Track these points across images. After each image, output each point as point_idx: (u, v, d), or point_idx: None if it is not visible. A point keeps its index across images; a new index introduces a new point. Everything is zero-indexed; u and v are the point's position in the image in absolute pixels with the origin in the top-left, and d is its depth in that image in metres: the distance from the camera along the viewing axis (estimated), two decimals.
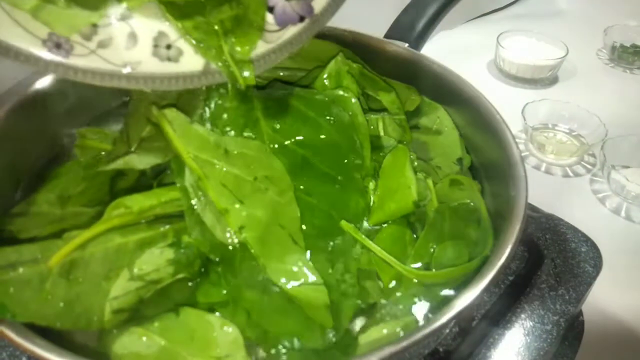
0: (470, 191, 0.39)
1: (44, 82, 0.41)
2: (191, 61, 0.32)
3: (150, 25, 0.31)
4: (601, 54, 0.99)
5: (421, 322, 0.32)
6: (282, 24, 0.34)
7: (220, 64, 0.32)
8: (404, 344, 0.26)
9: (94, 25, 0.29)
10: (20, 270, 0.29)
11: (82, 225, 0.33)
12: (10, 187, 0.39)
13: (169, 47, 0.31)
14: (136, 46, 0.31)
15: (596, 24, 1.01)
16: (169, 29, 0.31)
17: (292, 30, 0.34)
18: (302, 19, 0.34)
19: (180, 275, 0.33)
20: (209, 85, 0.40)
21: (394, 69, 0.48)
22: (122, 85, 0.30)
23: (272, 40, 0.34)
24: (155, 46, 0.31)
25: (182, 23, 0.31)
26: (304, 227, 0.34)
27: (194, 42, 0.32)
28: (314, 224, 0.35)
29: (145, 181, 0.37)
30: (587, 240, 0.48)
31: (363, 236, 0.35)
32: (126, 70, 0.30)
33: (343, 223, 0.35)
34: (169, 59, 0.31)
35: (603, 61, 0.97)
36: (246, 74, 0.32)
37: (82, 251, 0.31)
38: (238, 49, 0.32)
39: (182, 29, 0.31)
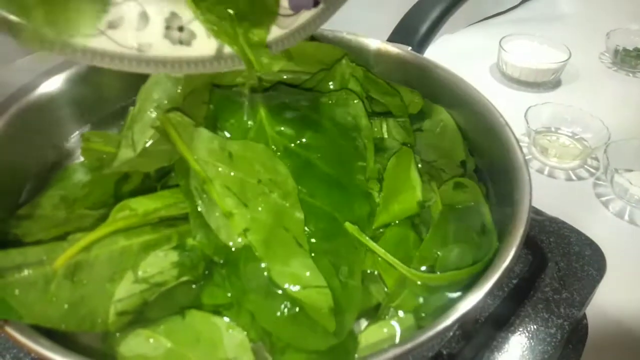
0: (474, 194, 0.39)
1: (48, 86, 0.42)
2: (204, 45, 0.31)
3: (162, 6, 0.30)
4: (604, 58, 0.99)
5: (425, 325, 0.32)
6: (296, 8, 0.33)
7: (235, 47, 0.31)
8: (408, 346, 0.26)
9: (104, 4, 0.28)
10: (26, 272, 0.29)
11: (87, 227, 0.33)
12: (15, 190, 0.39)
13: (181, 29, 0.30)
14: (147, 27, 0.29)
15: (599, 28, 1.01)
16: (182, 10, 0.30)
17: (305, 16, 0.33)
18: (316, 3, 0.33)
19: (184, 278, 0.33)
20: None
21: (397, 72, 0.48)
22: (132, 69, 0.29)
23: (286, 25, 0.33)
24: (167, 28, 0.30)
25: (195, 4, 0.30)
26: (308, 229, 0.34)
27: (207, 24, 0.30)
28: (318, 227, 0.35)
29: (150, 184, 0.37)
30: (591, 243, 0.48)
31: (367, 238, 0.35)
32: (136, 53, 0.29)
33: (347, 225, 0.35)
34: (180, 42, 0.30)
35: (606, 65, 0.97)
36: (263, 59, 0.31)
37: (86, 253, 0.31)
38: (254, 32, 0.31)
39: (196, 10, 0.30)
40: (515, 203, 0.34)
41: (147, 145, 0.36)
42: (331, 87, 0.42)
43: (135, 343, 0.30)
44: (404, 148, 0.39)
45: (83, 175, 0.40)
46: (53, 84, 0.42)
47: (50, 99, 0.42)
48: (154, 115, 0.37)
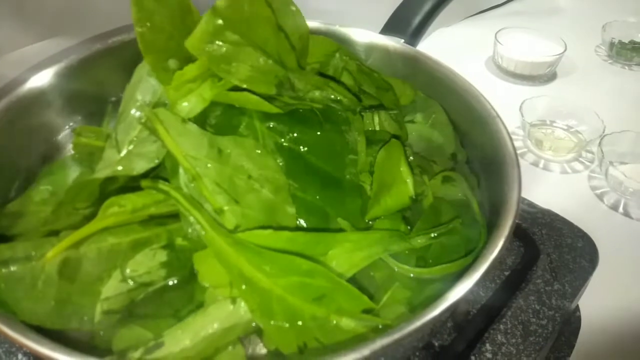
0: (462, 187, 0.39)
1: (38, 80, 0.41)
2: None
3: None
4: (599, 51, 0.98)
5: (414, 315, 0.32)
6: None
7: None
8: (396, 336, 0.26)
9: None
10: (13, 267, 0.29)
11: (76, 225, 0.32)
12: (5, 183, 0.39)
13: None
14: None
15: (594, 20, 1.01)
16: None
17: None
18: None
19: (172, 279, 0.33)
20: None
21: (389, 64, 0.48)
22: None
23: None
24: None
25: None
26: (299, 224, 0.34)
27: None
28: (310, 221, 0.35)
29: (136, 182, 0.36)
30: (583, 235, 0.48)
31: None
32: None
33: (339, 220, 0.35)
34: None
35: (601, 57, 0.97)
36: None
37: (75, 250, 0.31)
38: None
39: None
40: (504, 194, 0.34)
41: (132, 145, 0.36)
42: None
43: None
44: (392, 140, 0.38)
45: (74, 169, 0.39)
46: (43, 78, 0.42)
47: (40, 93, 0.41)
48: (137, 115, 0.36)
